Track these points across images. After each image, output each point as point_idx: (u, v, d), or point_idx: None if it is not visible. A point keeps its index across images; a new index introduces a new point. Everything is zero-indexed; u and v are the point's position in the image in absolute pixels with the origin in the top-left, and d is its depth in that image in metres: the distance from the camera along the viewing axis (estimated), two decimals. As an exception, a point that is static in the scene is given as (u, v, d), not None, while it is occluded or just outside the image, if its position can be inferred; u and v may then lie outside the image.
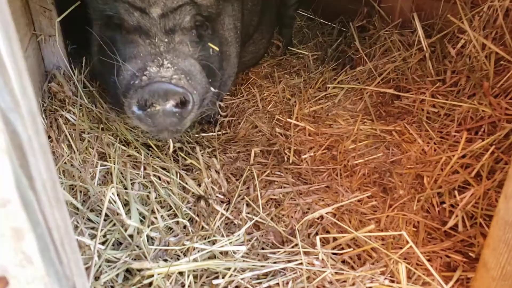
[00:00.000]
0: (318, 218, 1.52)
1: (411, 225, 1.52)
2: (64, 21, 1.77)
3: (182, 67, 1.36)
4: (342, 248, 1.40)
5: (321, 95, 2.15)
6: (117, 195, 1.37)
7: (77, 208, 1.25)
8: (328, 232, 1.47)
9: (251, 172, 1.71)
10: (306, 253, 1.36)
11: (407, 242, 1.36)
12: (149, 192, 1.45)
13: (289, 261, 1.33)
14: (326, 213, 1.52)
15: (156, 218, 1.30)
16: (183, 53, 1.41)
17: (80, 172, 1.33)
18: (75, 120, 1.54)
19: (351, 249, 1.37)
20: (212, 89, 1.50)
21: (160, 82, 1.23)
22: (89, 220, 1.27)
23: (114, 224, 1.22)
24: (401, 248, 1.41)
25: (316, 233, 1.47)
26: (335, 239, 1.40)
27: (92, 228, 1.23)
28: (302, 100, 2.14)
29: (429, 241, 1.48)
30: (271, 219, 1.51)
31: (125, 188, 1.42)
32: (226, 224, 1.50)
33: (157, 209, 1.32)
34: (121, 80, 1.34)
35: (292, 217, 1.54)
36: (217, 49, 1.60)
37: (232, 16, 1.77)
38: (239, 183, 1.64)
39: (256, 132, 1.96)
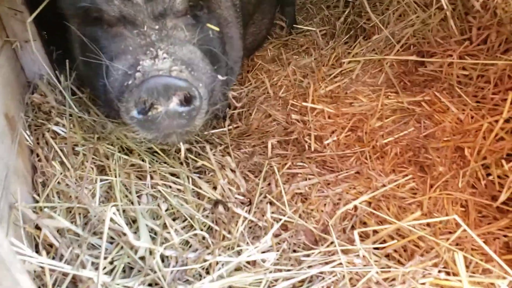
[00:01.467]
0: (352, 209, 1.34)
1: (458, 205, 1.33)
2: (44, 23, 1.60)
3: (181, 56, 1.14)
4: (385, 241, 1.22)
5: (336, 72, 1.95)
6: (123, 212, 1.22)
7: (78, 235, 1.10)
8: (365, 224, 1.29)
9: (271, 167, 1.53)
10: (344, 252, 1.18)
11: (457, 226, 1.17)
12: (159, 204, 1.29)
13: (326, 263, 1.16)
14: (361, 203, 1.34)
15: (169, 233, 1.14)
16: (179, 39, 1.21)
17: (77, 192, 1.17)
18: (65, 132, 1.38)
19: (395, 241, 1.19)
20: (219, 76, 1.29)
21: (158, 76, 1.04)
22: (93, 246, 1.11)
23: (122, 247, 1.06)
24: (450, 232, 1.23)
25: (353, 227, 1.29)
26: (375, 232, 1.22)
27: (98, 257, 1.07)
28: (316, 80, 1.94)
29: (481, 221, 1.29)
30: (299, 216, 1.33)
31: (131, 203, 1.26)
32: (250, 228, 1.33)
33: (169, 224, 1.16)
34: (112, 83, 1.14)
35: (322, 211, 1.36)
36: (217, 29, 1.38)
37: None
38: (259, 180, 1.46)
39: (270, 122, 1.78)
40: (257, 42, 2.40)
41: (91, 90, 1.49)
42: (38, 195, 1.21)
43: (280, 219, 1.30)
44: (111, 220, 1.03)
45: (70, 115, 1.47)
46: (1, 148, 1.05)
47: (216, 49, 1.38)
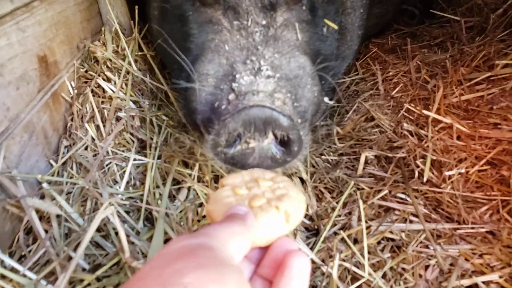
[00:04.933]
0: (470, 288, 0.86)
1: None
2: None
3: (287, 73, 0.87)
4: None
5: (481, 77, 1.39)
6: (145, 210, 0.92)
7: (79, 225, 0.83)
8: (490, 322, 0.80)
9: (358, 189, 1.11)
10: None
11: None
12: (196, 204, 0.97)
13: None
14: (486, 284, 0.85)
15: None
16: (288, 44, 0.92)
17: (101, 172, 0.90)
18: (114, 91, 1.13)
19: None
20: (326, 100, 1.00)
21: (259, 107, 0.78)
22: (96, 244, 0.83)
23: (118, 263, 0.76)
24: None
25: (466, 321, 0.81)
26: None
27: (94, 262, 0.79)
28: (449, 84, 1.42)
29: None
30: (384, 276, 0.90)
31: (160, 196, 0.96)
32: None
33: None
34: (199, 93, 0.88)
35: (421, 277, 0.90)
36: (336, 27, 1.09)
37: None
38: (337, 203, 1.06)
39: (371, 128, 1.33)
40: (379, 27, 1.94)
41: (173, 75, 1.22)
42: (57, 162, 0.98)
43: (354, 275, 0.88)
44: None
45: (127, 72, 1.22)
46: (11, 94, 0.81)
47: (328, 52, 1.09)
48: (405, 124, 1.27)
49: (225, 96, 0.82)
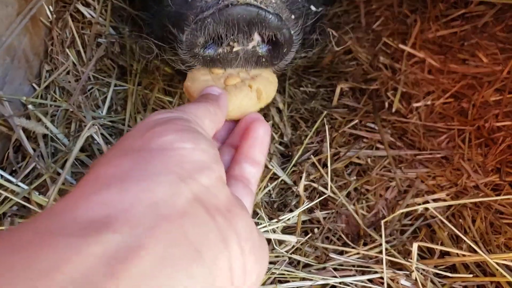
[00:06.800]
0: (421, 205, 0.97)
1: None
2: None
3: None
4: (455, 268, 0.85)
5: (457, 13, 1.42)
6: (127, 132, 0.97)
7: (65, 145, 0.88)
8: (434, 233, 0.92)
9: (331, 119, 1.17)
10: (391, 265, 0.85)
11: None
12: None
13: (362, 271, 0.84)
14: (436, 201, 0.96)
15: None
16: None
17: (85, 95, 0.94)
18: (93, 17, 1.12)
19: (470, 274, 0.82)
20: (312, 7, 0.88)
21: (242, 5, 0.66)
22: (82, 163, 0.90)
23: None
24: None
25: (415, 233, 0.93)
26: (444, 253, 0.86)
27: (80, 179, 0.86)
28: (426, 19, 1.44)
29: None
30: (348, 195, 1.00)
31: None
32: (282, 190, 1.04)
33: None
34: None
35: (381, 196, 1.01)
36: None
37: None
38: (311, 132, 1.13)
39: (349, 60, 1.37)
40: None
41: None
42: (40, 86, 1.00)
43: (322, 194, 0.98)
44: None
45: (106, -3, 1.20)
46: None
47: None
48: (381, 58, 1.31)
49: None
